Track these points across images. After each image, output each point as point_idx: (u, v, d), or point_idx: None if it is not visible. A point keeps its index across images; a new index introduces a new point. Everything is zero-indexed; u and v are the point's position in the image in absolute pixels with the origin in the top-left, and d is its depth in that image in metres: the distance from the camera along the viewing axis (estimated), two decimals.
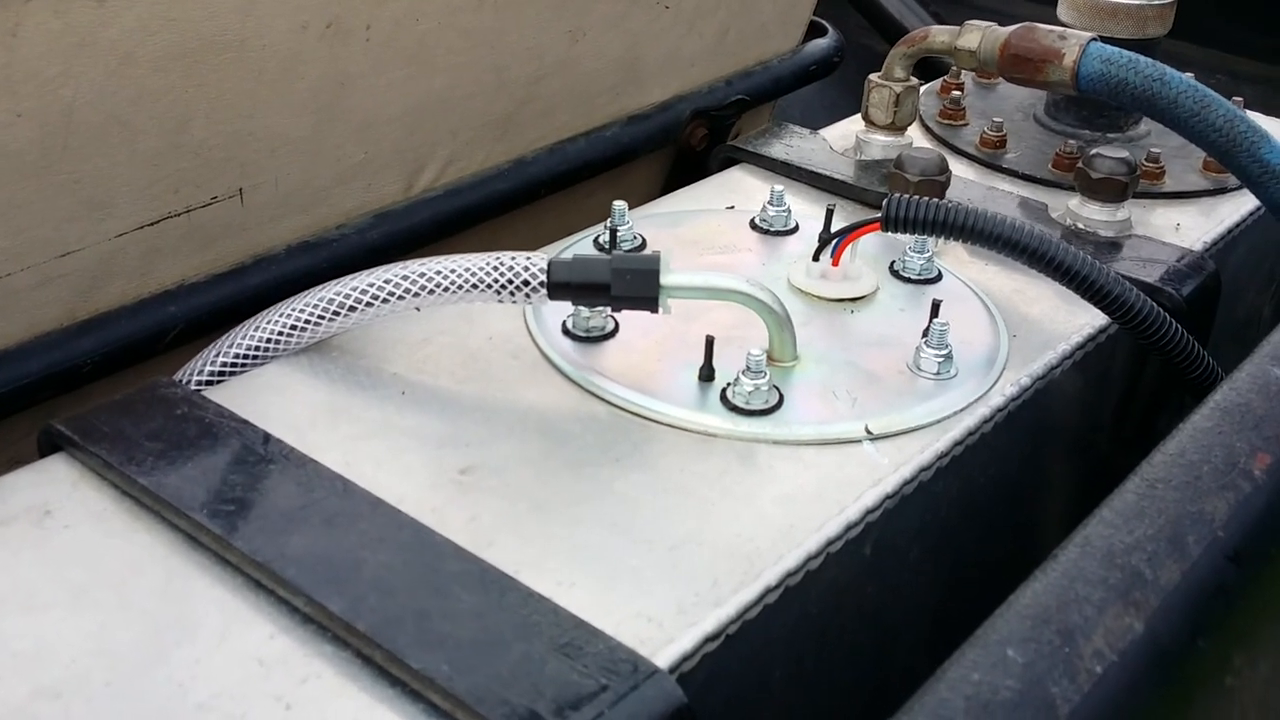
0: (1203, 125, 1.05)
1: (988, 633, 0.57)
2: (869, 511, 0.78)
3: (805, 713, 0.81)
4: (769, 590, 0.72)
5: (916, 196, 0.92)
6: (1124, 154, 1.10)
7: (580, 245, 1.04)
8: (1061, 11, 1.26)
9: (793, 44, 1.74)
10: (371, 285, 0.86)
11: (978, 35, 1.13)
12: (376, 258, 1.26)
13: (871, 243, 1.03)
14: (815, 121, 1.47)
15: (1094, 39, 1.09)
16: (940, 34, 1.15)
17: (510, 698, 0.60)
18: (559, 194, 1.45)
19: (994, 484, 0.91)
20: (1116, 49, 1.08)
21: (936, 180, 1.06)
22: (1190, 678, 0.62)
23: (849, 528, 0.77)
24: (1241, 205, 1.21)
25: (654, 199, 1.60)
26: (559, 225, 1.49)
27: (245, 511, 0.71)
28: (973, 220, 0.90)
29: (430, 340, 0.91)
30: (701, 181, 1.20)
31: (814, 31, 1.79)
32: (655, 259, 0.84)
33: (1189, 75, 1.05)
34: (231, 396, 0.83)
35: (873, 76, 1.20)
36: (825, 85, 1.85)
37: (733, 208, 1.12)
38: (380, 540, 0.70)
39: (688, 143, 1.57)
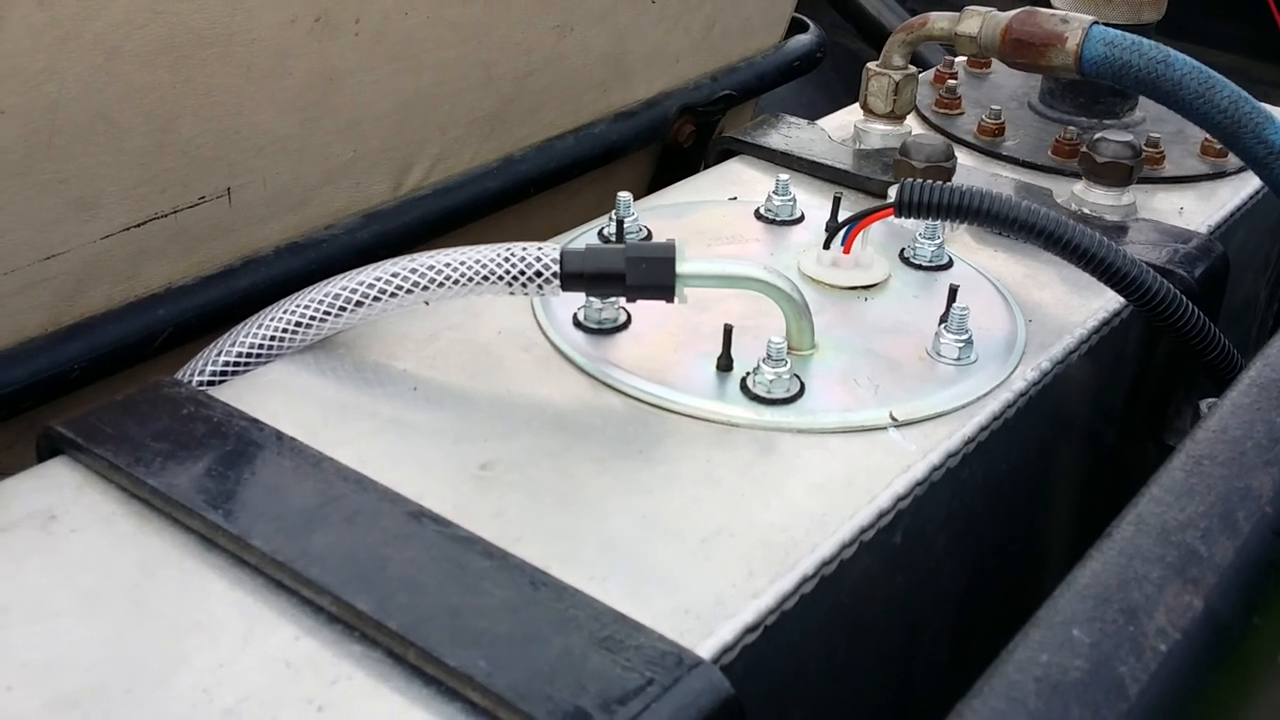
0: (1208, 107, 1.04)
1: (1051, 613, 0.55)
2: (900, 499, 0.76)
3: (838, 706, 0.79)
4: (805, 580, 0.70)
5: (929, 181, 0.90)
6: (1128, 138, 1.09)
7: (584, 239, 1.02)
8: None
9: (775, 40, 1.73)
10: (379, 279, 0.83)
11: (978, 20, 1.12)
12: (366, 258, 1.23)
13: (879, 231, 1.01)
14: None
15: (1095, 22, 1.08)
16: (940, 20, 1.14)
17: (553, 693, 0.58)
18: (547, 193, 1.43)
19: (1015, 470, 0.89)
20: (1119, 32, 1.07)
21: (943, 166, 1.05)
22: (1248, 654, 0.60)
23: (881, 515, 0.75)
24: (1241, 189, 1.20)
25: (641, 196, 1.59)
26: (547, 224, 1.47)
27: (262, 511, 0.68)
28: (988, 204, 0.89)
29: (438, 335, 0.88)
30: (701, 173, 1.18)
31: (795, 28, 1.78)
32: (671, 246, 0.82)
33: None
34: (237, 395, 0.80)
35: (871, 65, 1.18)
36: (802, 84, 1.84)
37: (735, 199, 1.10)
38: (404, 537, 0.67)
39: (675, 139, 1.55)
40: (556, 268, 0.82)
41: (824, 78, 1.96)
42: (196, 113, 1.04)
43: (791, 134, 1.20)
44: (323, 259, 1.20)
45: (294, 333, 0.85)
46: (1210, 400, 1.05)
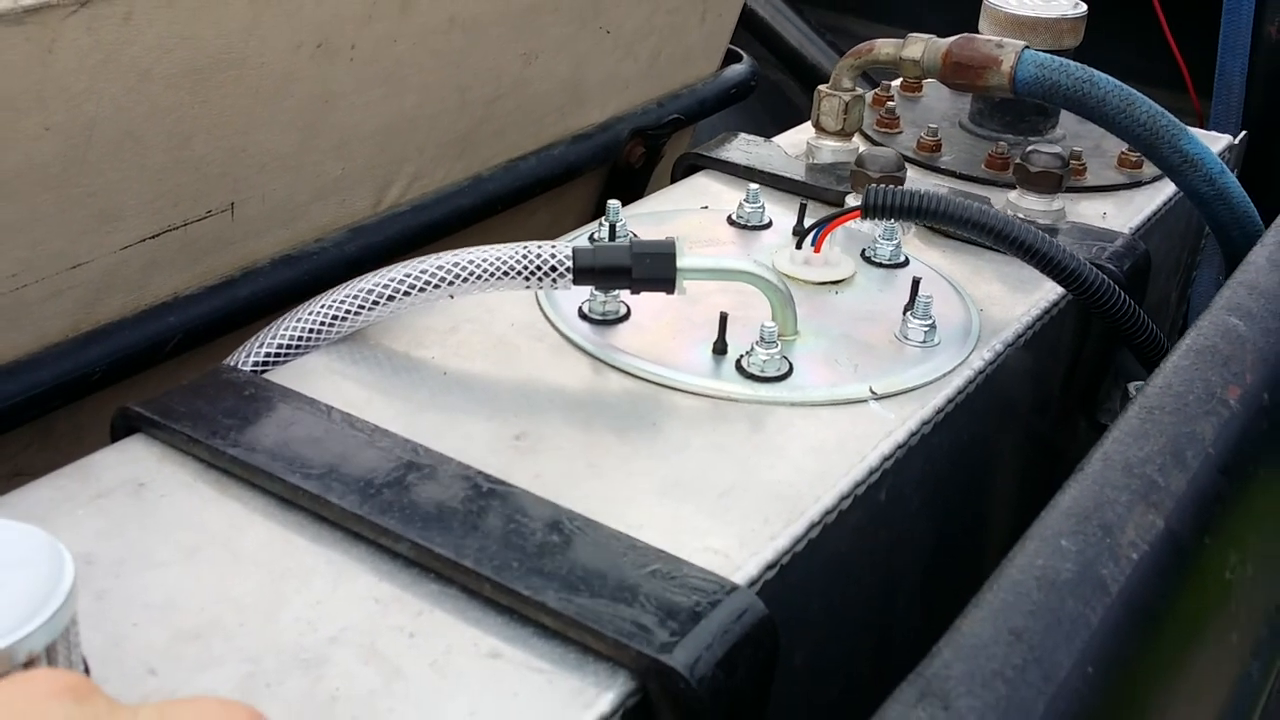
0: (1128, 120, 1.16)
1: (1042, 529, 0.66)
2: (885, 459, 0.87)
3: (832, 645, 0.89)
4: (812, 526, 0.80)
5: (893, 186, 1.01)
6: (1057, 149, 1.21)
7: (576, 244, 1.11)
8: (983, 26, 1.37)
9: (713, 68, 1.84)
10: (409, 275, 0.92)
11: (920, 46, 1.23)
12: (354, 270, 1.30)
13: (840, 234, 1.12)
14: None
15: (1026, 47, 1.20)
16: (885, 46, 1.25)
17: (616, 613, 0.67)
18: (508, 211, 1.52)
19: (973, 440, 1.00)
20: (1048, 55, 1.19)
21: (896, 176, 1.16)
22: (1202, 569, 0.71)
23: (870, 473, 0.85)
24: (1155, 196, 1.33)
25: (590, 217, 1.68)
26: (508, 241, 1.56)
27: (333, 473, 0.76)
28: (947, 206, 1.00)
29: (458, 328, 0.97)
30: (670, 187, 1.28)
31: (730, 58, 1.90)
32: (671, 243, 0.92)
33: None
34: (284, 380, 0.88)
35: (822, 88, 1.29)
36: (732, 114, 1.95)
37: (706, 207, 1.20)
38: (463, 492, 0.76)
39: (627, 161, 1.65)
40: (570, 263, 0.92)
41: (750, 107, 2.07)
42: (209, 131, 1.12)
43: (751, 150, 1.30)
44: (315, 270, 1.28)
45: (331, 325, 0.93)
46: (1137, 384, 1.18)
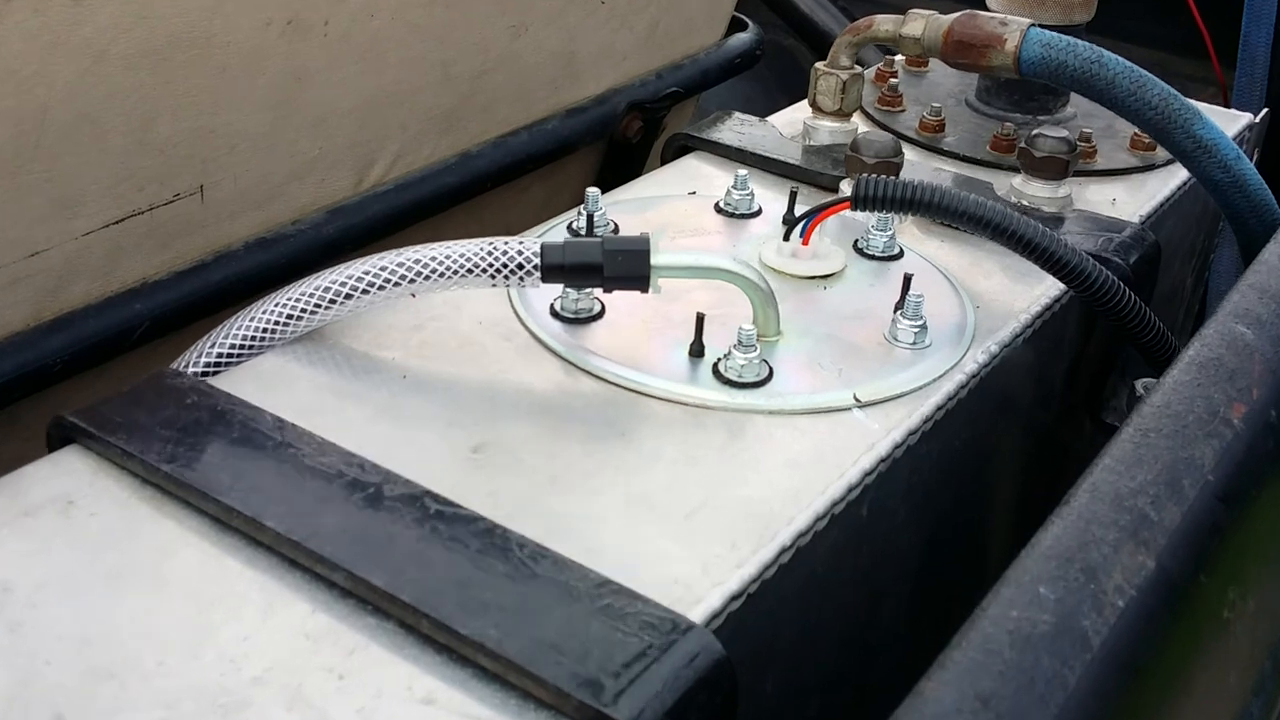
0: (1139, 104, 1.10)
1: (1019, 573, 0.61)
2: (866, 474, 0.82)
3: (808, 669, 0.84)
4: (784, 550, 0.75)
5: (884, 176, 0.96)
6: (1064, 133, 1.15)
7: (553, 234, 1.06)
8: (991, 1, 1.31)
9: (717, 38, 1.78)
10: (368, 273, 0.87)
11: (921, 23, 1.17)
12: (332, 252, 1.27)
13: (833, 224, 1.06)
14: None
15: (1032, 24, 1.14)
16: (885, 22, 1.19)
17: (559, 658, 0.62)
18: (499, 188, 1.47)
19: (966, 447, 0.95)
20: (1055, 34, 1.13)
21: (892, 162, 1.10)
22: (1196, 611, 0.66)
23: (850, 489, 0.80)
24: (1169, 180, 1.27)
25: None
26: (498, 220, 1.51)
27: (272, 493, 0.72)
28: (939, 198, 0.94)
29: (423, 326, 0.93)
30: (659, 169, 1.23)
31: (735, 26, 1.83)
32: (645, 240, 0.87)
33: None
34: (234, 384, 0.84)
35: (819, 65, 1.24)
36: (739, 83, 1.89)
37: (694, 193, 1.15)
38: (409, 516, 0.71)
39: (624, 135, 1.60)
40: (538, 260, 0.87)
41: (759, 74, 2.01)
42: (174, 113, 1.07)
43: (744, 130, 1.25)
44: (291, 253, 1.24)
45: (285, 325, 0.88)
46: (1146, 380, 1.12)
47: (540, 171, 1.53)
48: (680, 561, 0.72)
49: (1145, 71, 1.10)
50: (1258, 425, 0.76)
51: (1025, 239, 0.95)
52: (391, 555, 0.68)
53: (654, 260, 0.86)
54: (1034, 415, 1.09)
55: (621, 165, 1.64)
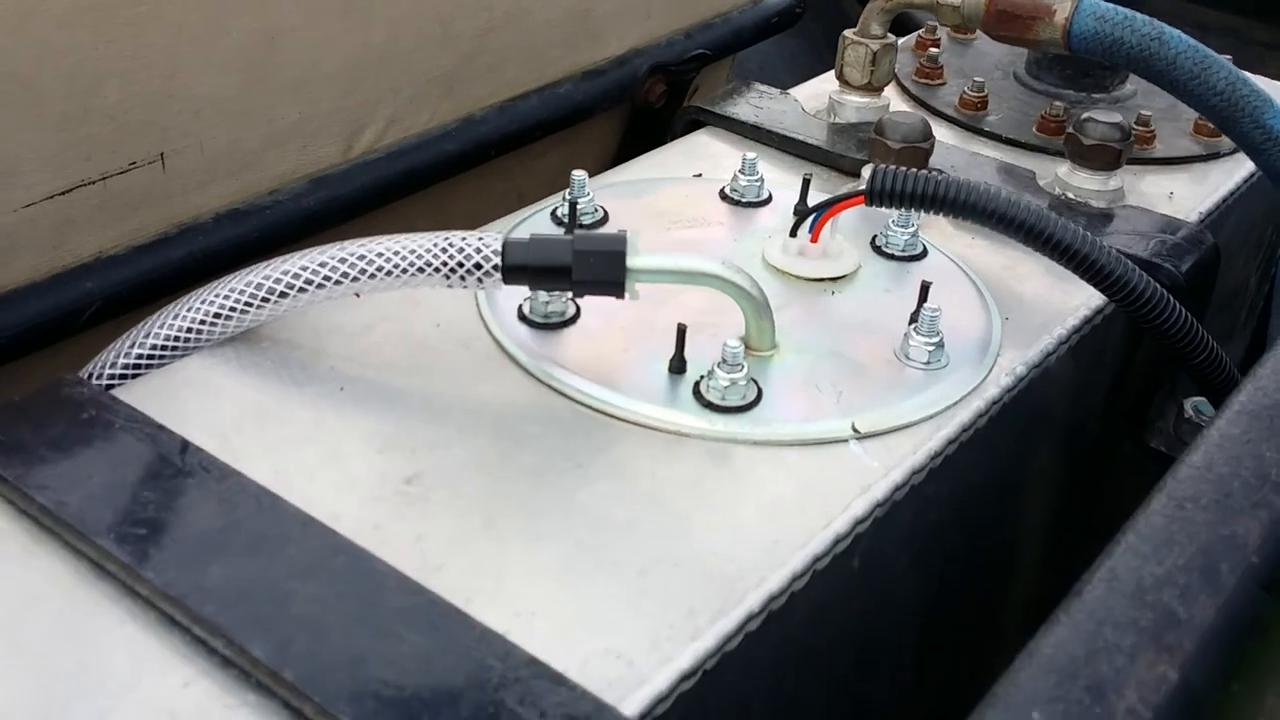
0: (1202, 88, 0.98)
1: (1010, 691, 0.50)
2: (858, 522, 0.71)
3: None
4: (751, 617, 0.64)
5: (902, 168, 0.84)
6: (1117, 118, 1.03)
7: (536, 219, 0.96)
8: None
9: None
10: (305, 269, 0.77)
11: None
12: (313, 225, 1.17)
13: (850, 215, 0.95)
14: (776, 77, 1.38)
15: None
16: None
17: None
18: (509, 155, 1.36)
19: (986, 481, 0.84)
20: (1111, 5, 1.00)
21: (920, 147, 0.98)
22: None
23: (837, 541, 0.70)
24: (1235, 171, 1.14)
25: (609, 160, 1.51)
26: (508, 189, 1.40)
27: (158, 535, 0.62)
28: (964, 194, 0.83)
29: (372, 327, 0.82)
30: (665, 146, 1.12)
31: None
32: (621, 239, 0.76)
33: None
34: (146, 396, 0.74)
35: (847, 33, 1.11)
36: (784, 38, 1.76)
37: (700, 175, 1.03)
38: (311, 568, 0.61)
39: (646, 100, 1.48)
40: (498, 259, 0.76)
41: (807, 30, 1.88)
42: (124, 75, 0.98)
43: (763, 105, 1.13)
44: (266, 226, 1.14)
45: (212, 325, 0.78)
46: (1196, 400, 1.00)
47: (557, 137, 1.42)
48: (624, 632, 0.62)
49: (1211, 52, 0.98)
50: None
51: (1061, 243, 0.84)
52: (282, 620, 0.59)
53: (630, 263, 0.76)
54: (1069, 441, 0.97)
55: (645, 131, 1.53)
